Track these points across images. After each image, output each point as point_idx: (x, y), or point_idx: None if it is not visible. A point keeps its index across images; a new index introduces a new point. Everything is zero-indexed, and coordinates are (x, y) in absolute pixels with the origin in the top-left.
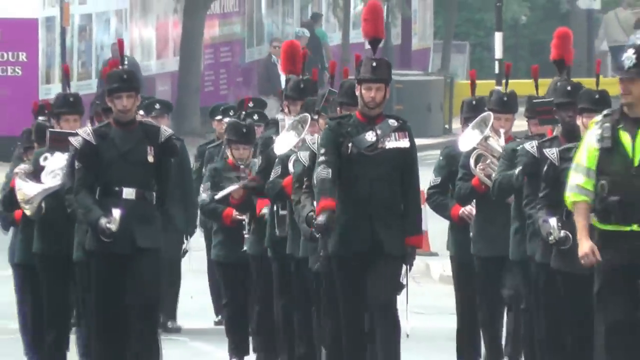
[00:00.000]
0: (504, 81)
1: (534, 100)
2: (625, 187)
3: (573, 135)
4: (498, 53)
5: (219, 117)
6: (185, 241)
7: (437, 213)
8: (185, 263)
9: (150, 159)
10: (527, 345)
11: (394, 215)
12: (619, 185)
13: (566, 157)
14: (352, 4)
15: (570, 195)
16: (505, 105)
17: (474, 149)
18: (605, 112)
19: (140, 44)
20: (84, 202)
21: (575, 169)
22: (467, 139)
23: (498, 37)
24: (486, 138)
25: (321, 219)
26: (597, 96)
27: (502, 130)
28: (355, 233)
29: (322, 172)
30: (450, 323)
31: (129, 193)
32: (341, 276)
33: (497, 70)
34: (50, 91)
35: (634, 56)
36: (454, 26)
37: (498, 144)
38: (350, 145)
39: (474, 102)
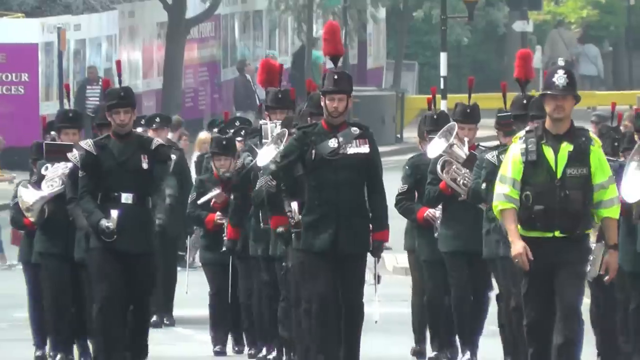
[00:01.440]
0: (446, 95)
1: (498, 114)
2: (548, 197)
3: None
4: (443, 71)
5: (215, 130)
6: (186, 240)
7: (404, 216)
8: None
9: (145, 165)
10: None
11: (358, 216)
12: (543, 196)
13: None
14: (314, 29)
15: (498, 204)
16: (469, 116)
17: (441, 155)
18: (527, 128)
19: (128, 66)
20: (86, 206)
21: (501, 180)
22: (435, 147)
23: (443, 57)
24: (451, 146)
25: (280, 230)
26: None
27: (466, 139)
28: (321, 233)
29: (269, 185)
30: (401, 309)
31: (127, 198)
32: (308, 270)
33: (442, 86)
34: (49, 107)
35: (565, 76)
36: (404, 47)
37: (462, 151)
38: (314, 152)
39: (435, 116)
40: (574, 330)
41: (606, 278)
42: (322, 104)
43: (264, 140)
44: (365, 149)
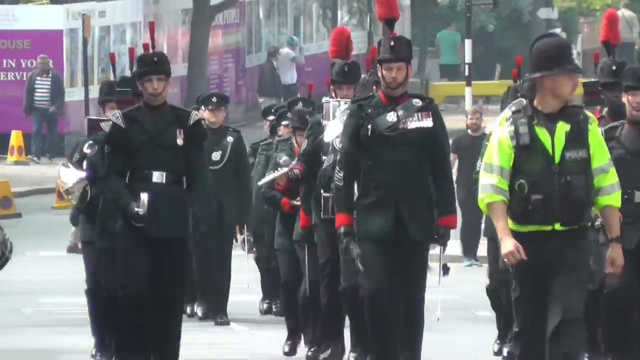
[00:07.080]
0: (471, 82)
1: (583, 82)
2: (546, 185)
3: (619, 113)
4: (468, 58)
5: (270, 118)
6: (243, 230)
7: None
8: (240, 249)
9: (180, 142)
10: None
11: (420, 199)
12: (540, 184)
13: (611, 135)
14: (339, 16)
15: (485, 197)
16: None
17: None
18: (513, 108)
19: None
20: (114, 186)
21: (486, 169)
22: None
23: (468, 43)
24: None
25: (342, 230)
26: None
27: None
28: (379, 217)
29: (336, 177)
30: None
31: (158, 177)
32: (367, 259)
33: (467, 73)
34: (74, 94)
35: (575, 52)
36: (428, 34)
37: None
38: (369, 127)
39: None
40: (577, 343)
41: (609, 272)
42: (379, 74)
43: (324, 122)
44: (428, 122)
